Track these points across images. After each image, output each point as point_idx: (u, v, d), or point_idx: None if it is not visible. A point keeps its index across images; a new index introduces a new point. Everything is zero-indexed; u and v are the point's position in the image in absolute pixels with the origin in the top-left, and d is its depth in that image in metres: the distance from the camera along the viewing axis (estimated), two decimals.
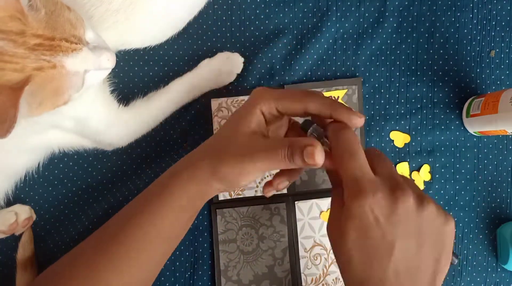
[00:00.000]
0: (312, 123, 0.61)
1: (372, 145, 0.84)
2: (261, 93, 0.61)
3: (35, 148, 0.76)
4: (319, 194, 0.83)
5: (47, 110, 0.60)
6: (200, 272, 0.83)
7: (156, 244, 0.63)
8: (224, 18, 0.84)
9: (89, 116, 0.74)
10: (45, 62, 0.55)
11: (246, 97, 0.83)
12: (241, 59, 0.82)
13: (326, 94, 0.83)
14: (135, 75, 0.83)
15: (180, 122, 0.83)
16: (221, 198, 0.83)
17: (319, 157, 0.54)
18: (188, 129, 0.83)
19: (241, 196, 0.83)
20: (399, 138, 0.84)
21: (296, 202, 0.83)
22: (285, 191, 0.83)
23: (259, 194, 0.83)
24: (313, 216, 0.83)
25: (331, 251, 0.82)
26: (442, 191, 0.85)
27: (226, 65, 0.81)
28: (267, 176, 0.83)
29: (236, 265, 0.82)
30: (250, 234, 0.82)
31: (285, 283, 0.82)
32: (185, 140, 0.83)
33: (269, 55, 0.83)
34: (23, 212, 0.80)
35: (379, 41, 0.85)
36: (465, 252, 0.85)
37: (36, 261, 0.81)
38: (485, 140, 0.85)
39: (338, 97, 0.83)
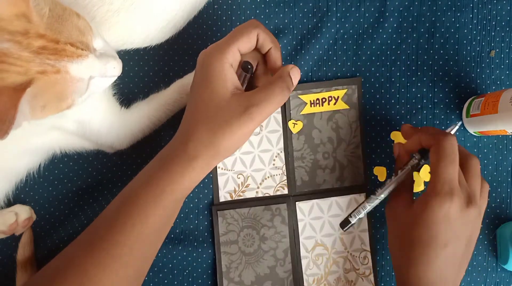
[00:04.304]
0: (249, 63, 0.68)
1: (373, 145, 0.85)
2: (217, 50, 0.64)
3: (36, 150, 0.76)
4: (319, 194, 0.83)
5: (51, 114, 0.60)
6: (199, 270, 0.83)
7: (148, 238, 0.64)
8: (224, 18, 0.84)
9: (92, 119, 0.74)
10: (49, 67, 0.55)
11: None
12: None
13: (326, 94, 0.83)
14: (135, 75, 0.83)
15: (180, 121, 0.83)
16: (222, 199, 0.83)
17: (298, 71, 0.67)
18: None
19: (242, 197, 0.83)
20: (400, 139, 0.84)
21: (297, 203, 0.83)
22: (286, 191, 0.83)
23: (260, 195, 0.83)
24: (314, 216, 0.83)
25: (333, 251, 0.83)
26: None
27: None
28: (268, 177, 0.83)
29: (238, 266, 0.82)
30: (252, 235, 0.82)
31: (287, 283, 0.82)
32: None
33: None
34: (23, 212, 0.79)
35: (379, 41, 0.85)
36: None
37: (35, 261, 0.81)
38: (485, 140, 0.85)
39: (338, 97, 0.83)
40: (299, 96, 0.83)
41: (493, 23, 0.85)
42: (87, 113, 0.73)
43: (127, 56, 0.82)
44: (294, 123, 0.83)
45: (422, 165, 0.75)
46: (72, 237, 0.80)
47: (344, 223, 0.77)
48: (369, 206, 0.75)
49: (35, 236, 0.82)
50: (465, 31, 0.85)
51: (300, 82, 0.83)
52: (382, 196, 0.74)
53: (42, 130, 0.72)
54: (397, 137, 0.84)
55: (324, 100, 0.83)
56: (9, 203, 0.80)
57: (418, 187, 0.84)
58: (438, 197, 0.67)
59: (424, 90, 0.85)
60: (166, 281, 0.83)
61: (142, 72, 0.83)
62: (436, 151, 0.69)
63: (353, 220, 0.76)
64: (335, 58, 0.85)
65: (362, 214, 0.76)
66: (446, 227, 0.67)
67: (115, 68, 0.64)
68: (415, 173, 0.83)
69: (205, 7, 0.83)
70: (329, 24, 0.84)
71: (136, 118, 0.79)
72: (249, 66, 0.67)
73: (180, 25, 0.81)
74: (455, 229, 0.67)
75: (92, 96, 0.65)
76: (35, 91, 0.55)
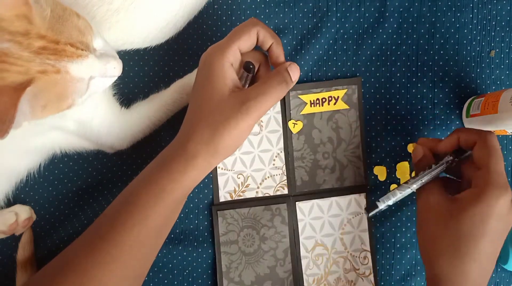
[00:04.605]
0: (251, 63, 0.68)
1: (373, 145, 0.85)
2: (218, 50, 0.65)
3: (36, 150, 0.77)
4: (319, 194, 0.83)
5: (51, 114, 0.60)
6: (199, 270, 0.83)
7: (148, 239, 0.64)
8: (224, 18, 0.84)
9: (92, 120, 0.74)
10: (49, 67, 0.56)
11: None
12: None
13: (326, 94, 0.83)
14: (135, 75, 0.83)
15: (180, 121, 0.83)
16: (222, 199, 0.83)
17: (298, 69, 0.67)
18: None
19: (242, 197, 0.83)
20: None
21: (297, 203, 0.83)
22: (286, 191, 0.83)
23: (260, 195, 0.83)
24: (314, 216, 0.83)
25: (333, 251, 0.83)
26: None
27: None
28: (268, 177, 0.83)
29: (238, 266, 0.82)
30: (252, 235, 0.83)
31: (287, 283, 0.82)
32: None
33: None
34: (23, 212, 0.79)
35: (379, 42, 0.85)
36: None
37: (35, 261, 0.81)
38: None
39: (338, 97, 0.83)
40: (299, 96, 0.83)
41: (493, 23, 0.85)
42: (88, 113, 0.73)
43: (127, 56, 0.82)
44: (294, 123, 0.83)
45: (455, 164, 0.73)
46: (72, 237, 0.81)
47: (371, 208, 0.74)
48: (399, 194, 0.73)
49: (35, 236, 0.82)
50: (465, 31, 0.85)
51: (300, 82, 0.84)
52: (414, 186, 0.72)
53: (42, 130, 0.72)
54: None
55: (324, 100, 0.83)
56: (9, 203, 0.80)
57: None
58: (495, 189, 0.64)
59: (424, 90, 0.85)
60: (166, 281, 0.83)
61: (142, 72, 0.83)
62: (484, 146, 0.67)
63: (381, 206, 0.74)
64: (335, 58, 0.85)
65: (392, 201, 0.73)
66: (499, 221, 0.65)
67: (115, 68, 0.64)
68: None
69: (205, 7, 0.83)
70: (329, 24, 0.84)
71: (136, 118, 0.79)
72: (250, 66, 0.67)
73: (180, 25, 0.81)
74: (505, 224, 0.66)
75: (92, 96, 0.66)
76: (35, 90, 0.55)
